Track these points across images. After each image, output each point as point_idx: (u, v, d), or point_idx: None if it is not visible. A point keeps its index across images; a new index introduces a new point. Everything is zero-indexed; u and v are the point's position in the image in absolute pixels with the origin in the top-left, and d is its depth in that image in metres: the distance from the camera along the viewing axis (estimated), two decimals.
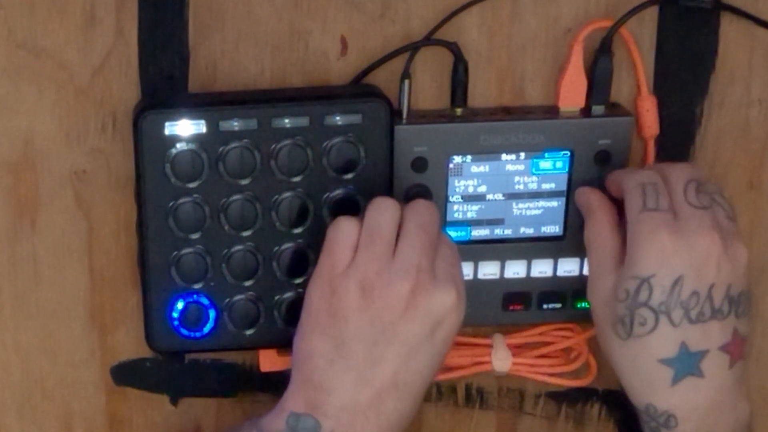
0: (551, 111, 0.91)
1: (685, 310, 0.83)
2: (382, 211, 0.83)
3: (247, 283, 0.90)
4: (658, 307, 0.83)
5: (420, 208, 0.84)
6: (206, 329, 0.91)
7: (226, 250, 0.89)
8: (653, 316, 0.83)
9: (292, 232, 0.89)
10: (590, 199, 0.89)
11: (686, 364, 0.84)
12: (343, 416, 0.81)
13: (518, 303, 0.95)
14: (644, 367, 0.85)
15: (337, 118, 0.87)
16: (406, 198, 0.90)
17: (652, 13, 0.91)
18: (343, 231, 0.83)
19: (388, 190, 0.89)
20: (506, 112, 0.91)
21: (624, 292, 0.84)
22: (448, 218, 0.92)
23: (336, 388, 0.81)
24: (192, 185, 0.87)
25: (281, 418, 0.82)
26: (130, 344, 0.96)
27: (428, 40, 0.89)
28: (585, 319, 0.96)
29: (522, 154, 0.91)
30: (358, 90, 0.89)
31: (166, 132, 0.86)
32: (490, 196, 0.92)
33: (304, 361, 0.83)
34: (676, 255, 0.83)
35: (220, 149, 0.87)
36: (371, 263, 0.81)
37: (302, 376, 0.83)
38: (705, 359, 0.84)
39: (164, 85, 0.89)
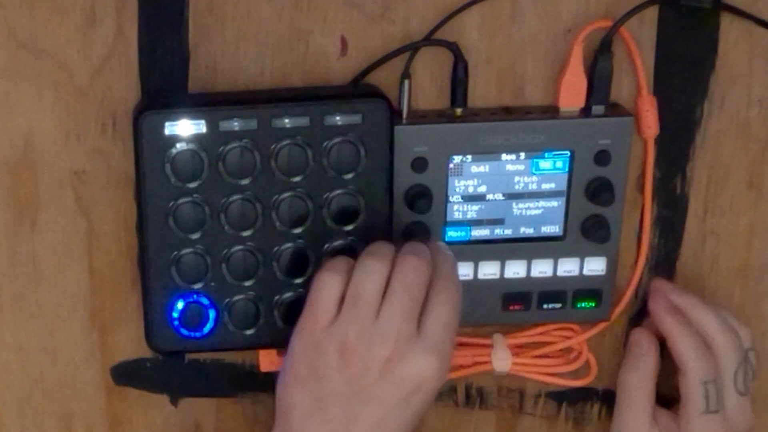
0: (551, 111, 0.91)
1: None
2: (368, 273, 0.83)
3: (247, 283, 0.90)
4: None
5: (407, 265, 0.83)
6: (206, 329, 0.91)
7: (226, 250, 0.89)
8: None
9: (292, 232, 0.89)
10: (646, 346, 0.94)
11: None
12: None
13: (518, 303, 0.95)
14: None
15: (337, 118, 0.87)
16: (406, 198, 0.90)
17: (652, 13, 0.91)
18: (326, 288, 0.83)
19: (388, 190, 0.89)
20: (506, 112, 0.91)
21: None
22: (448, 218, 0.92)
23: None
24: (192, 185, 0.87)
25: None
26: (130, 344, 0.96)
27: (428, 40, 0.89)
28: (585, 319, 0.96)
29: (522, 154, 0.91)
30: (358, 90, 0.89)
31: (166, 132, 0.86)
32: (490, 196, 0.92)
33: (285, 410, 0.84)
34: None
35: (220, 149, 0.87)
36: (352, 326, 0.81)
37: (283, 424, 0.84)
38: None
39: (164, 85, 0.89)
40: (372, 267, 0.83)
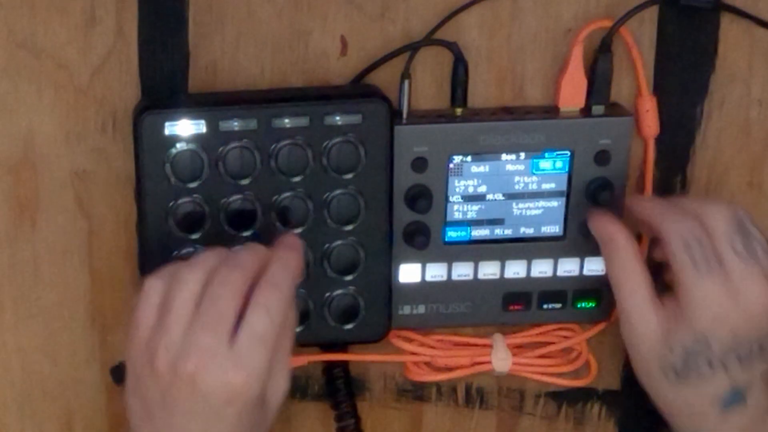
0: (551, 111, 0.91)
1: (739, 359, 0.84)
2: (181, 284, 0.81)
3: None
4: (715, 361, 0.84)
5: (217, 277, 0.80)
6: None
7: None
8: (709, 368, 0.85)
9: (292, 233, 0.89)
10: (611, 231, 0.88)
11: (734, 398, 0.86)
12: None
13: (518, 303, 0.95)
14: (694, 405, 0.86)
15: (337, 118, 0.87)
16: (406, 198, 0.90)
17: (652, 13, 0.91)
18: (146, 294, 0.81)
19: (388, 190, 0.89)
20: (506, 112, 0.91)
21: (680, 346, 0.85)
22: (448, 218, 0.92)
23: None
24: (192, 185, 0.87)
25: None
26: None
27: (428, 40, 0.89)
28: (585, 319, 0.96)
29: (522, 154, 0.91)
30: (358, 90, 0.89)
31: (166, 132, 0.86)
32: (490, 196, 0.92)
33: (127, 413, 0.83)
34: (732, 313, 0.83)
35: (220, 149, 0.87)
36: (162, 337, 0.80)
37: (126, 428, 0.84)
38: (750, 390, 0.86)
39: (164, 85, 0.89)
40: (185, 277, 0.81)
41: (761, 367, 0.86)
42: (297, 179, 0.88)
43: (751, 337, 0.84)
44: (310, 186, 0.88)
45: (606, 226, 0.88)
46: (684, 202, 0.87)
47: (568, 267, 0.94)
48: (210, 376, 0.79)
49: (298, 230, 0.89)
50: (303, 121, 0.87)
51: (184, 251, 0.88)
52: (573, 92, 0.90)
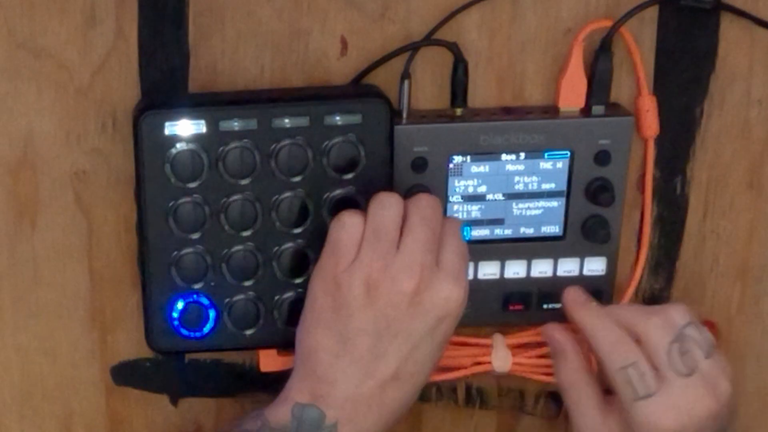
0: (551, 111, 0.91)
1: None
2: (386, 207, 0.84)
3: (247, 283, 0.90)
4: None
5: (422, 201, 0.84)
6: (206, 329, 0.91)
7: (226, 250, 0.89)
8: None
9: (292, 232, 0.89)
10: (560, 341, 0.90)
11: None
12: (346, 406, 0.83)
13: (518, 303, 0.95)
14: None
15: (337, 118, 0.87)
16: (406, 198, 0.90)
17: (652, 13, 0.91)
18: (346, 227, 0.84)
19: (388, 191, 0.89)
20: (506, 112, 0.91)
21: None
22: None
23: (340, 380, 0.83)
24: (192, 185, 0.87)
25: (286, 408, 0.84)
26: (130, 344, 0.96)
27: (428, 40, 0.89)
28: None
29: (522, 154, 0.91)
30: (358, 90, 0.89)
31: (166, 132, 0.86)
32: (490, 196, 0.92)
33: (309, 354, 0.84)
34: (676, 427, 0.84)
35: (220, 149, 0.87)
36: (375, 261, 0.82)
37: (306, 369, 0.84)
38: None
39: (164, 85, 0.89)
40: (389, 201, 0.84)
41: None
42: (297, 179, 0.88)
43: None
44: (310, 186, 0.88)
45: (555, 336, 0.91)
46: (623, 315, 0.87)
47: (568, 267, 0.94)
48: (431, 292, 0.82)
49: (298, 230, 0.89)
50: (303, 121, 0.87)
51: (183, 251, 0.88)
52: (573, 92, 0.90)
